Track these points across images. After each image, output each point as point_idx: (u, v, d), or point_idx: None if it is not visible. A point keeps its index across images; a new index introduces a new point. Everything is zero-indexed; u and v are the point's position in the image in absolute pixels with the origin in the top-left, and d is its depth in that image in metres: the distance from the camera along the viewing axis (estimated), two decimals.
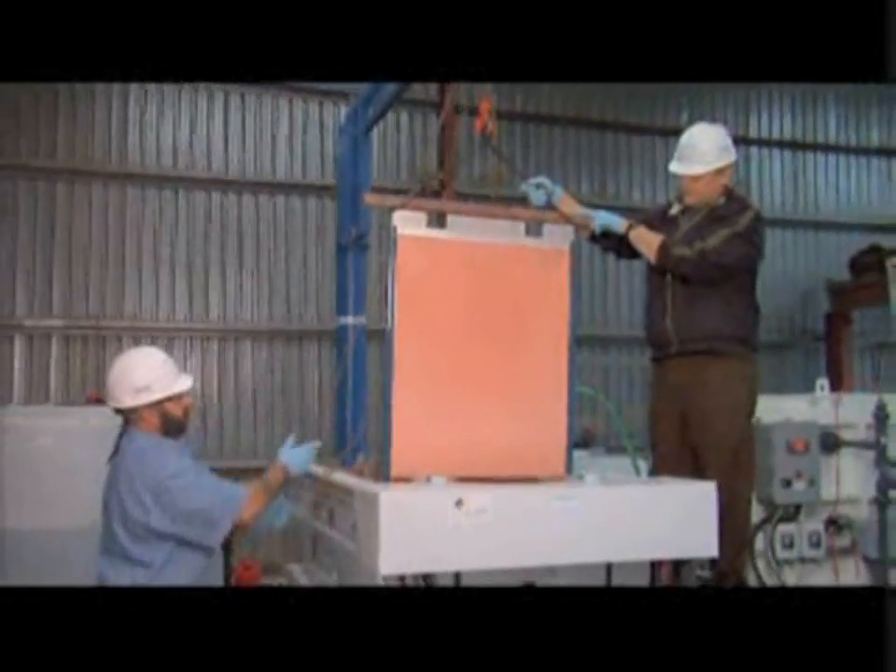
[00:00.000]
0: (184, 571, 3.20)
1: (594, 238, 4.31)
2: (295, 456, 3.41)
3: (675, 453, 4.09)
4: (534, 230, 3.57)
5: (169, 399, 3.36)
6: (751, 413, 4.11)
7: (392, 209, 3.35)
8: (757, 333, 4.18)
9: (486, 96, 3.70)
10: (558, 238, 3.58)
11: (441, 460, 3.31)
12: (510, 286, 3.47)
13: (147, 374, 3.34)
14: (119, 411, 3.39)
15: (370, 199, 3.86)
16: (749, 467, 4.09)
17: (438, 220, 3.48)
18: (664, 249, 4.01)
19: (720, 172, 4.07)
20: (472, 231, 3.44)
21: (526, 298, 3.49)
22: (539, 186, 4.03)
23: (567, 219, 3.67)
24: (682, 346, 4.05)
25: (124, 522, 3.21)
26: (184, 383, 3.42)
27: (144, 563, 3.18)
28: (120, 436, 3.37)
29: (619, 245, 4.31)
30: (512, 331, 3.46)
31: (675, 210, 4.24)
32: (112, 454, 3.35)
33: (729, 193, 4.15)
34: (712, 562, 3.84)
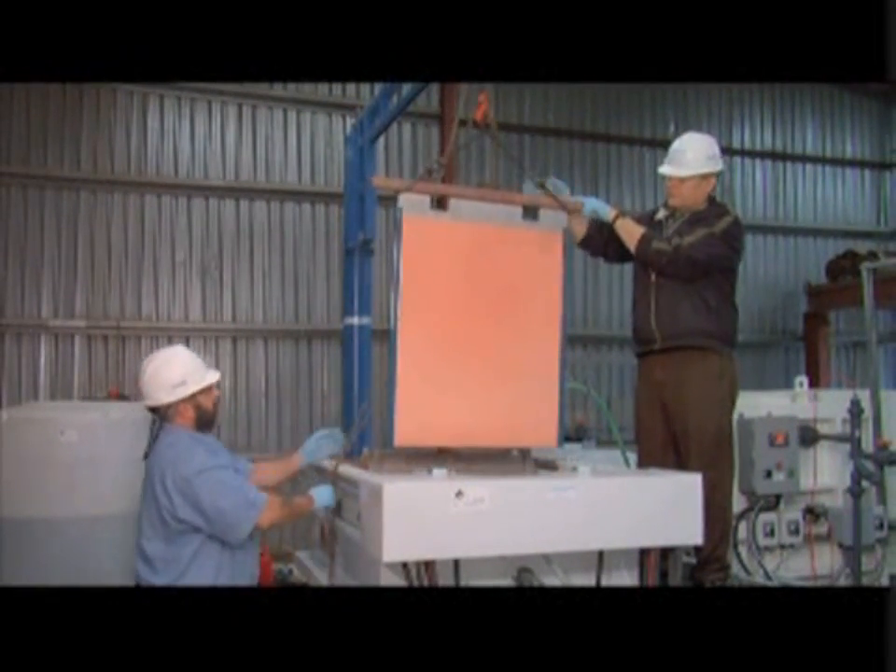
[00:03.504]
0: (209, 566, 3.21)
1: (583, 243, 4.33)
2: (321, 492, 3.47)
3: (659, 445, 4.10)
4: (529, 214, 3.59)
5: (202, 391, 3.39)
6: (731, 406, 4.10)
7: (398, 191, 3.34)
8: (736, 331, 4.17)
9: (484, 90, 3.69)
10: (552, 222, 3.60)
11: (441, 431, 3.33)
12: (507, 266, 3.50)
13: (181, 370, 3.36)
14: (154, 409, 3.39)
15: (377, 181, 3.87)
16: (729, 458, 4.09)
17: (440, 204, 3.45)
18: (644, 241, 4.02)
19: (705, 178, 4.08)
20: (472, 214, 3.45)
21: (522, 277, 3.52)
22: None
23: (559, 204, 3.67)
24: (665, 343, 4.06)
25: (159, 514, 3.22)
26: (213, 375, 3.46)
27: (165, 561, 3.21)
28: (155, 435, 3.38)
29: (605, 248, 4.32)
30: (508, 309, 3.48)
31: (661, 215, 4.26)
32: (147, 452, 3.37)
33: (711, 200, 4.16)
34: (697, 549, 3.85)
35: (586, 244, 4.34)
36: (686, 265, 3.95)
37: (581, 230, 4.27)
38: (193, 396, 3.36)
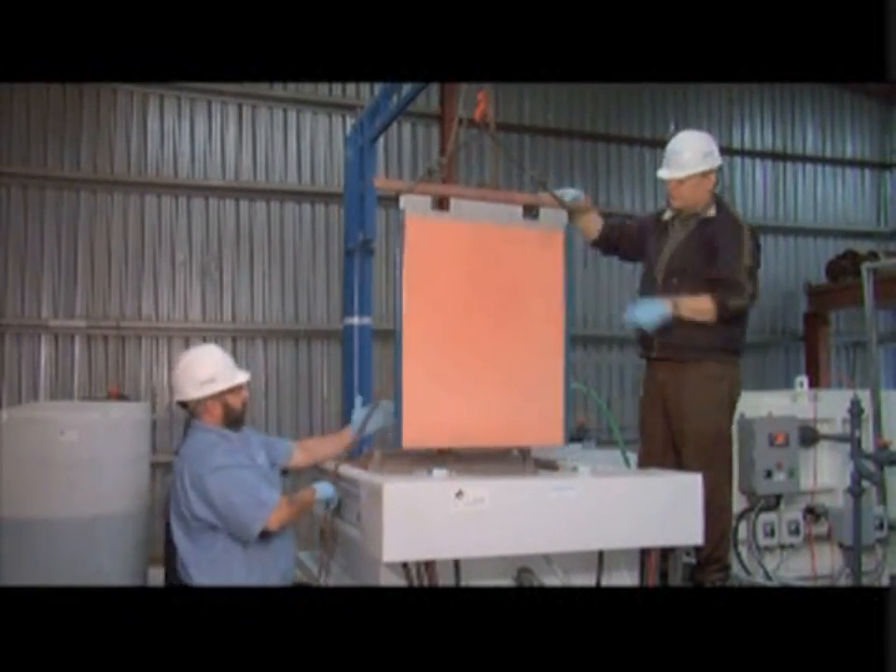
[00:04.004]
0: (237, 567, 3.23)
1: (595, 244, 4.31)
2: (322, 486, 3.47)
3: (660, 445, 4.10)
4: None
5: (230, 390, 3.43)
6: (730, 408, 4.08)
7: (399, 192, 3.35)
8: (742, 339, 4.13)
9: (484, 89, 3.69)
10: (553, 221, 3.60)
11: (448, 432, 3.34)
12: (509, 265, 3.50)
13: (211, 368, 3.42)
14: (183, 404, 3.44)
15: (378, 183, 3.90)
16: (727, 459, 4.07)
17: (441, 204, 3.46)
18: (721, 308, 3.87)
19: (705, 176, 4.02)
20: (473, 214, 3.45)
21: (524, 276, 3.52)
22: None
23: (560, 203, 3.67)
24: (662, 352, 4.05)
25: (180, 510, 3.26)
26: (242, 376, 3.52)
27: (195, 562, 3.23)
28: (185, 432, 3.45)
29: (617, 248, 4.31)
30: (511, 308, 3.49)
31: (667, 216, 4.21)
32: (178, 448, 3.45)
33: (718, 203, 4.10)
34: (697, 549, 3.85)
35: (597, 244, 4.33)
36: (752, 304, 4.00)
37: (593, 227, 4.25)
38: (222, 394, 3.41)
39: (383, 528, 2.75)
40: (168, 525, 3.46)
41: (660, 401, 4.10)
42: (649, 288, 4.16)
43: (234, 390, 3.46)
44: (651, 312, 3.89)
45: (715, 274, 3.92)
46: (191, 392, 3.38)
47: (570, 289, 3.60)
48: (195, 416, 3.42)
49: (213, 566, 3.22)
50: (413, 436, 3.30)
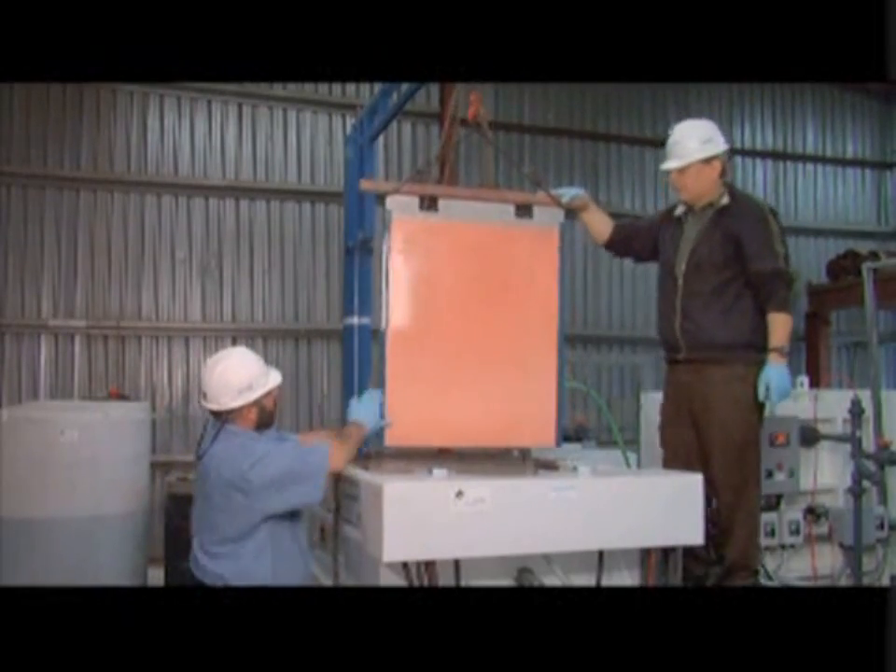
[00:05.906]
0: (274, 553, 3.16)
1: (608, 246, 4.27)
2: (362, 411, 3.33)
3: (685, 452, 3.92)
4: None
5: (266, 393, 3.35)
6: (757, 412, 3.91)
7: (386, 194, 3.35)
8: (765, 334, 3.93)
9: (476, 91, 3.69)
10: (548, 218, 3.57)
11: (433, 431, 3.34)
12: (501, 264, 3.48)
13: (247, 375, 3.29)
14: (215, 412, 3.31)
15: (365, 184, 3.89)
16: (756, 463, 3.93)
17: (430, 204, 3.43)
18: (784, 307, 3.83)
19: (707, 163, 3.89)
20: (464, 214, 3.44)
21: (517, 275, 3.50)
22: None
23: (556, 202, 3.65)
24: (690, 353, 3.92)
25: (211, 521, 3.18)
26: (275, 378, 3.39)
27: (234, 556, 3.15)
28: (215, 435, 3.28)
29: (628, 249, 4.28)
30: (503, 308, 3.47)
31: (679, 211, 4.09)
32: (202, 451, 3.28)
33: (731, 192, 3.97)
34: (722, 556, 3.78)
35: (610, 246, 4.27)
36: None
37: (603, 228, 4.20)
38: (257, 399, 3.30)
39: (383, 528, 2.75)
40: (168, 525, 3.39)
41: (685, 407, 3.95)
42: (668, 289, 4.01)
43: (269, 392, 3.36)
44: (784, 378, 3.77)
45: (757, 270, 3.81)
46: (228, 402, 3.25)
47: (566, 288, 3.59)
48: (228, 422, 3.29)
49: (246, 576, 3.13)
50: (396, 434, 3.30)
